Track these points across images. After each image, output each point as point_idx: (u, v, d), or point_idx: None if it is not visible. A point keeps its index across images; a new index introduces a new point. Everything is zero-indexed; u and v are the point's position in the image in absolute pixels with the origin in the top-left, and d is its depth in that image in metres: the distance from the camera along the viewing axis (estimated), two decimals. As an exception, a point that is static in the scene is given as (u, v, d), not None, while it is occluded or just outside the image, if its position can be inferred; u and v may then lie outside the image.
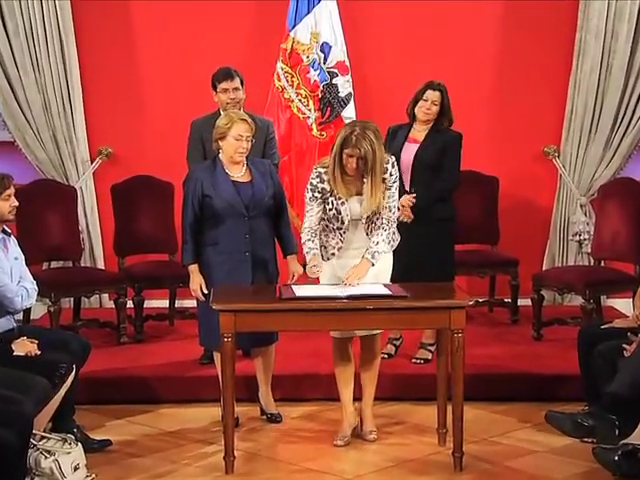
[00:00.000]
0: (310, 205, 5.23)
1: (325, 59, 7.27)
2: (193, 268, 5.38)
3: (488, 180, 7.46)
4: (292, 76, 7.26)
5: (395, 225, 5.32)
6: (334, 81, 7.26)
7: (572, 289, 6.75)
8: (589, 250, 7.48)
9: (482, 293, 7.38)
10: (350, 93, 7.28)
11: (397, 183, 5.23)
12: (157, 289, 7.10)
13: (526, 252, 7.46)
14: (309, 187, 5.22)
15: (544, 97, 7.69)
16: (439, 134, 6.12)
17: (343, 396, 5.36)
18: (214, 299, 4.94)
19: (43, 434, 4.79)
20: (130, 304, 6.80)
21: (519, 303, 7.21)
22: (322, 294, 4.91)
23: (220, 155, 5.40)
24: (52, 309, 6.49)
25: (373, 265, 5.15)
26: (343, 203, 5.19)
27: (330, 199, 5.21)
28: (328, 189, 5.18)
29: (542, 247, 7.80)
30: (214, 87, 6.12)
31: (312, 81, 7.26)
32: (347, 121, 7.22)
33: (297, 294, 4.88)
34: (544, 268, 7.66)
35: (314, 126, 7.27)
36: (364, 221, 5.22)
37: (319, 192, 5.19)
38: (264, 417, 5.65)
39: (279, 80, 7.25)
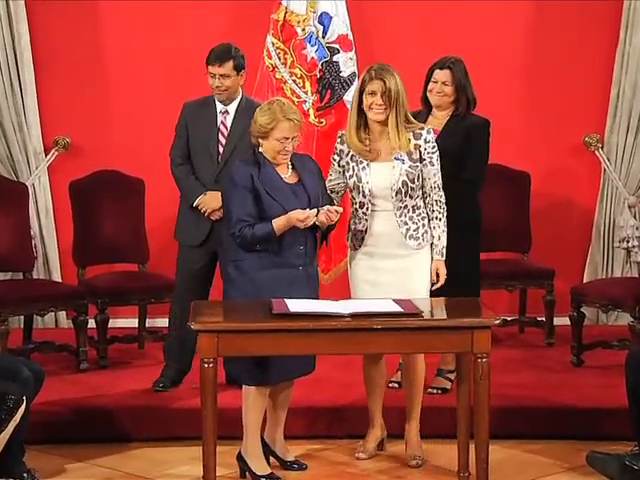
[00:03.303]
0: (329, 173, 5.48)
1: (324, 32, 7.29)
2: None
3: (518, 176, 7.50)
4: (285, 52, 7.28)
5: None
6: (335, 58, 7.29)
7: (619, 306, 6.76)
8: (639, 259, 7.49)
9: (511, 310, 7.42)
10: (354, 72, 7.30)
11: (437, 154, 5.41)
12: (124, 305, 7.11)
13: (563, 262, 7.50)
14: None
15: (585, 78, 7.72)
16: (461, 120, 6.12)
17: (369, 404, 5.56)
18: (193, 317, 4.94)
19: (-13, 479, 4.82)
20: (92, 323, 6.80)
21: (555, 322, 7.24)
22: (321, 310, 4.91)
23: (260, 149, 5.26)
24: (-2, 330, 6.50)
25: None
26: (364, 168, 5.35)
27: (351, 164, 5.39)
28: (347, 151, 5.41)
29: (582, 256, 7.84)
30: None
31: (309, 58, 7.28)
32: (350, 106, 7.28)
33: (291, 309, 4.89)
34: (585, 280, 7.69)
35: (311, 112, 7.29)
36: (393, 195, 5.31)
37: (337, 155, 5.43)
38: (284, 468, 5.45)
39: (269, 57, 7.27)
